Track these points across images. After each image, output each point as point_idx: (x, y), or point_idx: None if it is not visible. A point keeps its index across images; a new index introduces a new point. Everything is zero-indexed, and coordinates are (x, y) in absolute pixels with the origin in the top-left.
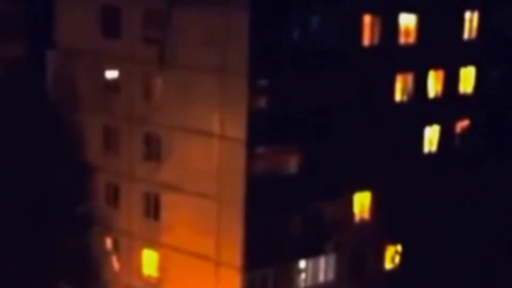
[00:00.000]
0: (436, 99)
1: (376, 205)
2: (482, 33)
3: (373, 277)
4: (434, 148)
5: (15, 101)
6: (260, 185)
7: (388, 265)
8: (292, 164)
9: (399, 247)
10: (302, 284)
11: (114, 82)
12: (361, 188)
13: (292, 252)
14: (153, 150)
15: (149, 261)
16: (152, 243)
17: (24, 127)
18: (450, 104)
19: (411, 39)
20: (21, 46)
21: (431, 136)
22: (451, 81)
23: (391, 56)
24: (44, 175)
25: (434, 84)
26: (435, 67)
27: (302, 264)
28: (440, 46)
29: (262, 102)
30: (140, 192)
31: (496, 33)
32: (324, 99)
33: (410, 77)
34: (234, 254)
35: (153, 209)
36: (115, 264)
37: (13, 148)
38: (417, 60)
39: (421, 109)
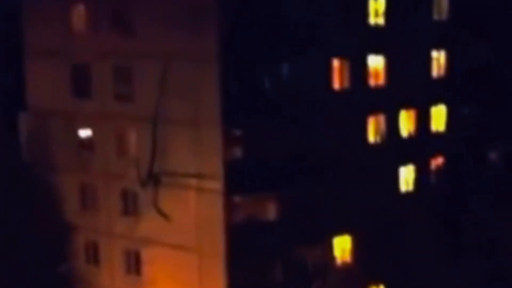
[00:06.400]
0: (409, 139)
1: (356, 247)
2: (450, 71)
3: None
4: (410, 187)
5: None
6: (240, 234)
7: None
8: (271, 211)
9: None
10: None
11: (88, 140)
12: (341, 232)
13: None
14: (130, 205)
15: None
16: None
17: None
18: (423, 142)
19: (381, 80)
20: None
21: (407, 176)
22: (423, 120)
23: (362, 98)
24: (22, 237)
25: (406, 123)
26: (406, 106)
27: None
28: (409, 86)
29: (237, 152)
30: (120, 248)
31: (464, 70)
32: (299, 145)
33: (382, 118)
34: None
35: (134, 264)
36: None
37: None
38: (388, 101)
39: (395, 149)
